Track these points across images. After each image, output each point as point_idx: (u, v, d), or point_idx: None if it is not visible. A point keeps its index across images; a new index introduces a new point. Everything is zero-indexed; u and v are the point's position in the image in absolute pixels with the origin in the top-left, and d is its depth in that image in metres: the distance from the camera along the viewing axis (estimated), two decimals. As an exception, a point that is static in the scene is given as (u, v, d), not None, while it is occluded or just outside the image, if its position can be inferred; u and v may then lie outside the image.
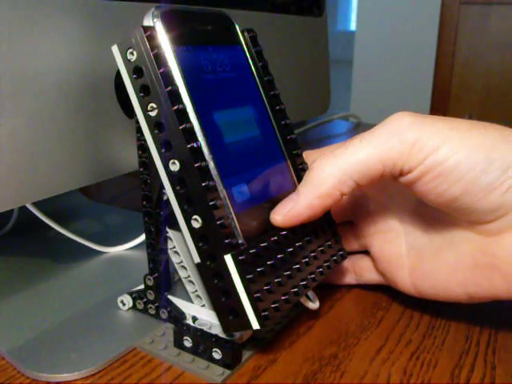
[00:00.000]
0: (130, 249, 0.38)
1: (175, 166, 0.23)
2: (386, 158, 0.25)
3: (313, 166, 0.26)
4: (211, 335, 0.26)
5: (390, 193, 0.31)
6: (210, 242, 0.23)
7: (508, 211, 0.24)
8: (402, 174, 0.25)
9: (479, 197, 0.24)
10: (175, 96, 0.23)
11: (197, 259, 0.24)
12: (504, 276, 0.25)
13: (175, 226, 0.27)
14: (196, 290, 0.28)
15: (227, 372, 0.25)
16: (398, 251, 0.30)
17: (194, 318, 0.28)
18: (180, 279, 0.29)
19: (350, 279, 0.33)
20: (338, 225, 0.31)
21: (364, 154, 0.25)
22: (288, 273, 0.25)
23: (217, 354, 0.25)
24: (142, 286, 0.29)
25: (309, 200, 0.26)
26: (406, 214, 0.30)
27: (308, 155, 0.30)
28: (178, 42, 0.24)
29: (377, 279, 0.32)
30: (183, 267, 0.28)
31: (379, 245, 0.31)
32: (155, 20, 0.24)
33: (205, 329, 0.26)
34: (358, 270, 0.33)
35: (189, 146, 0.23)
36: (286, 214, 0.26)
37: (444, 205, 0.26)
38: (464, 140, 0.24)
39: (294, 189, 0.28)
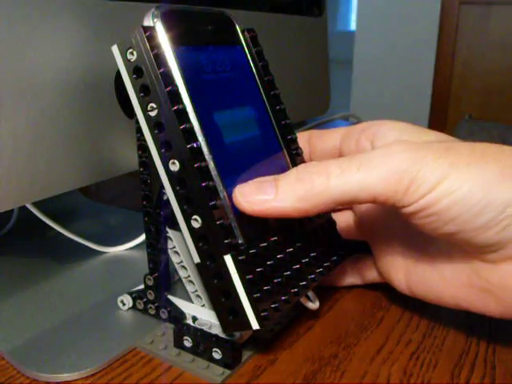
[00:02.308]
0: (130, 249, 0.38)
1: (175, 166, 0.23)
2: (379, 193, 0.24)
3: (303, 174, 0.24)
4: (211, 335, 0.26)
5: None
6: (209, 242, 0.23)
7: (504, 246, 0.24)
8: (394, 207, 0.24)
9: (474, 234, 0.24)
10: (175, 96, 0.23)
11: (197, 259, 0.24)
12: (498, 301, 0.25)
13: (175, 226, 0.27)
14: (196, 290, 0.28)
15: (227, 372, 0.25)
16: (395, 253, 0.30)
17: (194, 318, 0.28)
18: (180, 279, 0.29)
19: (352, 279, 0.33)
20: (341, 213, 0.31)
21: (357, 185, 0.24)
22: (288, 273, 0.25)
23: (217, 354, 0.25)
24: (141, 286, 0.30)
25: (284, 207, 0.24)
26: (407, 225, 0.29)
27: (329, 133, 0.30)
28: (178, 41, 0.24)
29: (378, 277, 0.32)
30: (183, 267, 0.28)
31: (379, 243, 0.31)
32: (155, 20, 0.24)
33: (205, 329, 0.26)
34: (360, 269, 0.33)
35: (189, 146, 0.23)
36: (253, 203, 0.24)
37: (440, 237, 0.25)
38: (461, 179, 0.23)
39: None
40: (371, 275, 0.32)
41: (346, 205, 0.25)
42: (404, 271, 0.29)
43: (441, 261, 0.27)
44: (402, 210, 0.24)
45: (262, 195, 0.24)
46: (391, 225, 0.30)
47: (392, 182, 0.23)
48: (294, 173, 0.25)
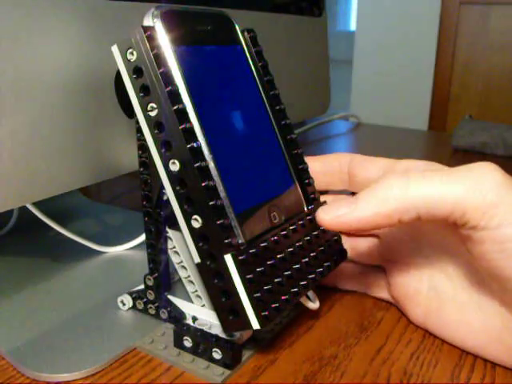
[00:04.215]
0: (130, 249, 0.38)
1: (175, 166, 0.23)
2: (460, 205, 0.22)
3: (383, 180, 0.24)
4: (211, 335, 0.26)
5: (428, 230, 0.28)
6: (209, 242, 0.23)
7: None
8: (465, 226, 0.23)
9: None
10: (175, 96, 0.23)
11: (197, 259, 0.24)
12: None
13: (175, 226, 0.27)
14: (196, 290, 0.28)
15: (227, 372, 0.25)
16: (418, 289, 0.28)
17: (194, 318, 0.28)
18: (180, 279, 0.29)
19: (357, 288, 0.33)
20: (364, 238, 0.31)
21: (440, 191, 0.23)
22: (288, 273, 0.25)
23: (217, 354, 0.25)
24: (142, 286, 0.30)
25: (365, 214, 0.24)
26: (436, 257, 0.28)
27: (372, 162, 0.30)
28: (178, 42, 0.24)
29: (385, 297, 0.32)
30: (183, 267, 0.28)
31: (400, 275, 0.29)
32: (155, 20, 0.24)
33: (205, 329, 0.26)
34: (369, 284, 0.32)
35: (189, 146, 0.23)
36: (336, 217, 0.25)
37: (492, 277, 0.24)
38: None
39: (293, 188, 0.28)
40: (379, 293, 0.32)
41: (425, 217, 0.23)
42: (424, 309, 0.28)
43: (471, 310, 0.26)
44: (474, 234, 0.23)
45: (344, 208, 0.24)
46: (419, 261, 0.29)
47: (475, 197, 0.22)
48: (372, 184, 0.25)
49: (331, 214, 0.25)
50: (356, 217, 0.24)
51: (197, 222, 0.23)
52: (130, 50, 0.24)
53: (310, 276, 0.26)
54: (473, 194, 0.22)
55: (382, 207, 0.24)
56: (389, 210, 0.23)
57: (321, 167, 0.32)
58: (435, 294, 0.28)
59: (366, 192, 0.24)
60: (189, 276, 0.28)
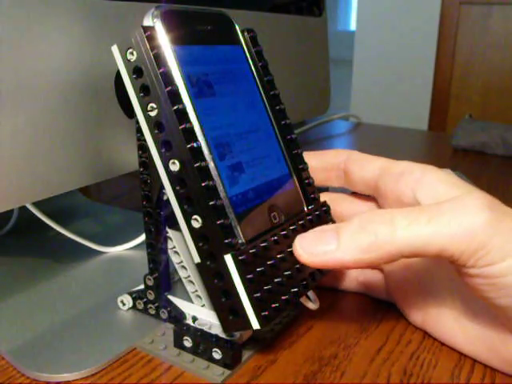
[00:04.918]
0: (130, 249, 0.38)
1: (175, 166, 0.23)
2: (447, 248, 0.22)
3: (367, 221, 0.23)
4: (211, 335, 0.26)
5: None
6: (209, 242, 0.23)
7: None
8: (453, 263, 0.23)
9: None
10: (175, 96, 0.23)
11: (197, 259, 0.24)
12: None
13: (175, 226, 0.27)
14: (196, 290, 0.28)
15: (227, 372, 0.25)
16: (417, 294, 0.29)
17: (194, 318, 0.28)
18: (180, 279, 0.29)
19: (355, 288, 0.33)
20: None
21: (426, 237, 0.22)
22: (288, 273, 0.25)
23: (217, 354, 0.25)
24: (142, 286, 0.30)
25: (347, 258, 0.23)
26: (435, 268, 0.28)
27: (369, 161, 0.29)
28: (178, 41, 0.24)
29: (385, 299, 0.32)
30: (183, 267, 0.28)
31: (399, 279, 0.29)
32: (155, 20, 0.24)
33: (205, 329, 0.26)
34: (368, 286, 0.32)
35: (189, 146, 0.23)
36: (314, 255, 0.23)
37: (489, 305, 0.24)
38: None
39: (293, 188, 0.28)
40: (379, 295, 0.32)
41: (410, 257, 0.23)
42: (423, 314, 0.28)
43: (468, 320, 0.26)
44: (463, 269, 0.23)
45: (323, 246, 0.23)
46: (419, 272, 0.29)
47: (462, 241, 0.22)
48: (356, 222, 0.23)
49: (308, 251, 0.23)
50: (337, 260, 0.23)
51: (197, 222, 0.23)
52: (130, 50, 0.24)
53: (310, 276, 0.26)
54: (459, 238, 0.22)
55: (365, 255, 0.23)
56: (372, 258, 0.23)
57: (318, 163, 0.31)
58: (433, 301, 0.28)
59: (349, 232, 0.23)
60: (189, 276, 0.28)
